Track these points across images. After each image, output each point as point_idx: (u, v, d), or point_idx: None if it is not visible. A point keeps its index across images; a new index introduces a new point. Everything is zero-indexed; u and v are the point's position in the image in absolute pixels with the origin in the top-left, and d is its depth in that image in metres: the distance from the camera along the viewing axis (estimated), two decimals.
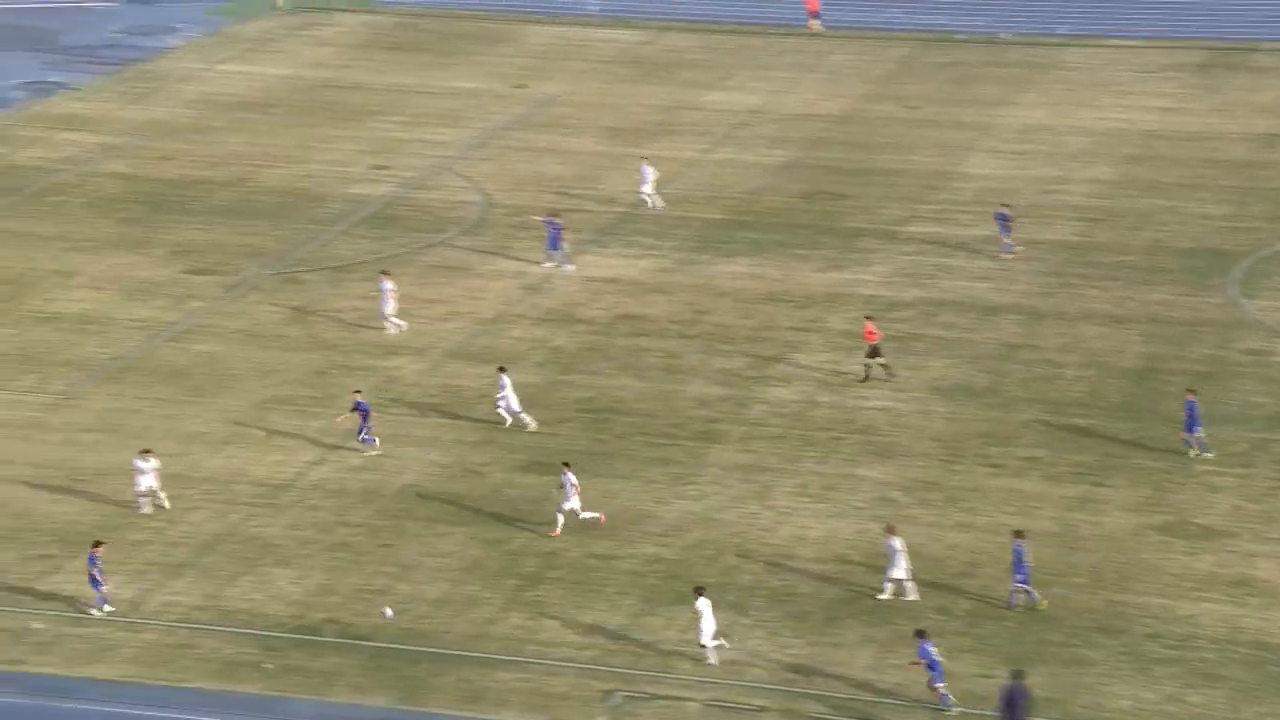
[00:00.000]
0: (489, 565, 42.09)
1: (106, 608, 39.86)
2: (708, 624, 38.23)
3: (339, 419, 46.92)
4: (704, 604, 38.33)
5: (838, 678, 38.26)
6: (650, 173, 63.57)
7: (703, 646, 38.37)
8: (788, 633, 39.68)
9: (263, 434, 47.52)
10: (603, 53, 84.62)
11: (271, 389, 50.22)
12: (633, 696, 37.62)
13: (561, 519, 43.10)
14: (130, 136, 70.91)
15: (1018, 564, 40.11)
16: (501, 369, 48.39)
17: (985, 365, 52.64)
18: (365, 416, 46.28)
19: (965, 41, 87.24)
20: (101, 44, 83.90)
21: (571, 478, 43.10)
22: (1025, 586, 40.24)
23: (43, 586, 40.67)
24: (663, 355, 52.95)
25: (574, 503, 43.10)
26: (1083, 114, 75.43)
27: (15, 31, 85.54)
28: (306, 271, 58.42)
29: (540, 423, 48.65)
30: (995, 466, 46.81)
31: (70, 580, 40.89)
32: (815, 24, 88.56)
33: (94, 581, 39.55)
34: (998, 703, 36.25)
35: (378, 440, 46.55)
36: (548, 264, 58.39)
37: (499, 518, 44.13)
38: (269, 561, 41.98)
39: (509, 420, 47.82)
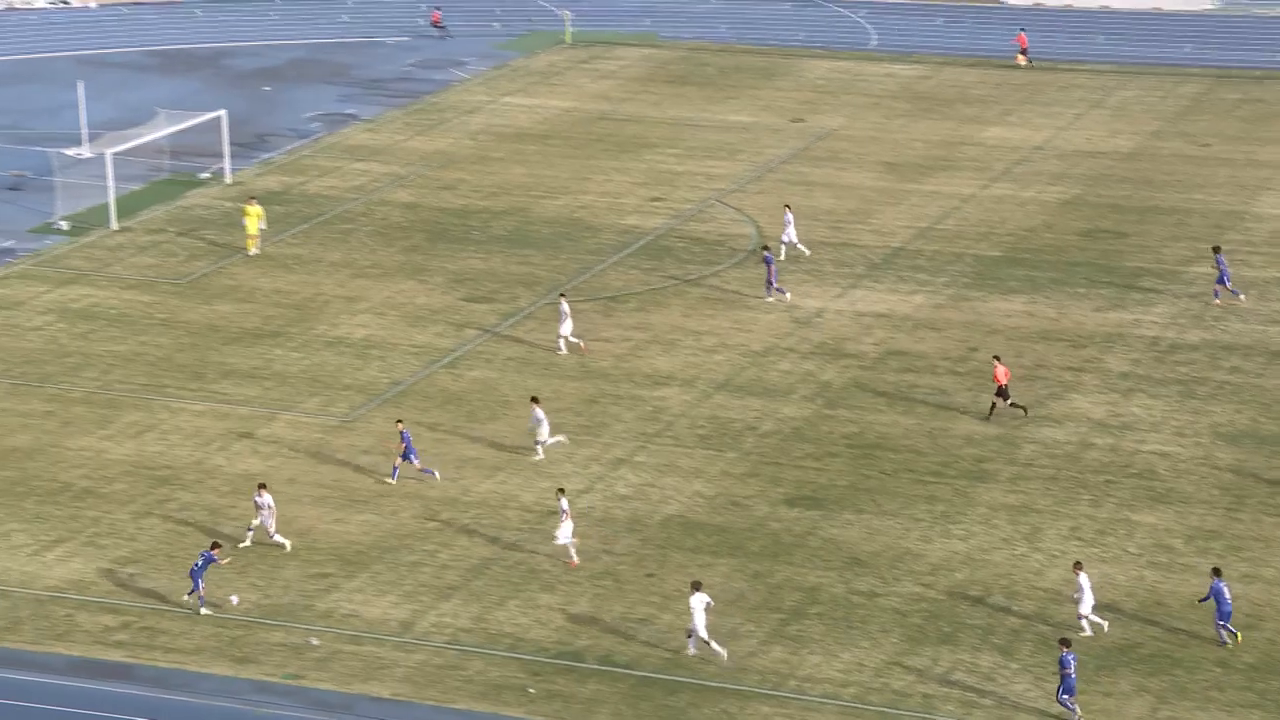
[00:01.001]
0: (751, 598, 42.01)
1: (204, 610, 40.98)
2: (700, 619, 39.02)
3: (391, 446, 47.34)
4: (698, 599, 38.94)
5: None
6: (791, 219, 61.75)
7: (691, 637, 39.22)
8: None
9: (537, 459, 48.28)
10: (882, 87, 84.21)
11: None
12: None
13: (573, 550, 43.01)
14: (416, 166, 72.88)
15: (1219, 600, 39.50)
16: (534, 399, 48.32)
17: (1275, 411, 50.79)
18: (408, 445, 46.41)
19: (1263, 78, 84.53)
20: (393, 77, 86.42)
21: (564, 504, 42.95)
22: (1222, 622, 39.60)
23: (321, 604, 41.88)
24: (932, 392, 52.33)
25: (564, 530, 42.97)
26: None
27: (313, 65, 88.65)
28: (580, 301, 59.21)
29: (807, 457, 48.48)
30: None
31: (347, 599, 42.05)
32: (1022, 59, 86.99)
33: (195, 575, 40.67)
34: None
35: (398, 472, 46.68)
36: (769, 298, 58.07)
37: (762, 551, 44.05)
38: (535, 586, 42.56)
39: (541, 455, 47.76)
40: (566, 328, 54.23)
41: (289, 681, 38.97)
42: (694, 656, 39.43)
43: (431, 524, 45.34)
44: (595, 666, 39.53)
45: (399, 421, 47.89)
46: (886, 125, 78.28)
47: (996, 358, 51.22)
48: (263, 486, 43.96)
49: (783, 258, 61.25)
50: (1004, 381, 50.09)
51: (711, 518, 45.58)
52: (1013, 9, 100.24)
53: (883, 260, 62.74)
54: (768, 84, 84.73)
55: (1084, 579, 40.23)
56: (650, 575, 43.04)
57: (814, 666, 39.48)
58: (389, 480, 46.88)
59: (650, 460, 48.44)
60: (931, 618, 41.23)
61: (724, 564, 43.46)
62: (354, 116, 79.88)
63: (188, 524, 45.18)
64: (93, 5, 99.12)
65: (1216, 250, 59.19)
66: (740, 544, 44.33)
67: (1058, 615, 41.23)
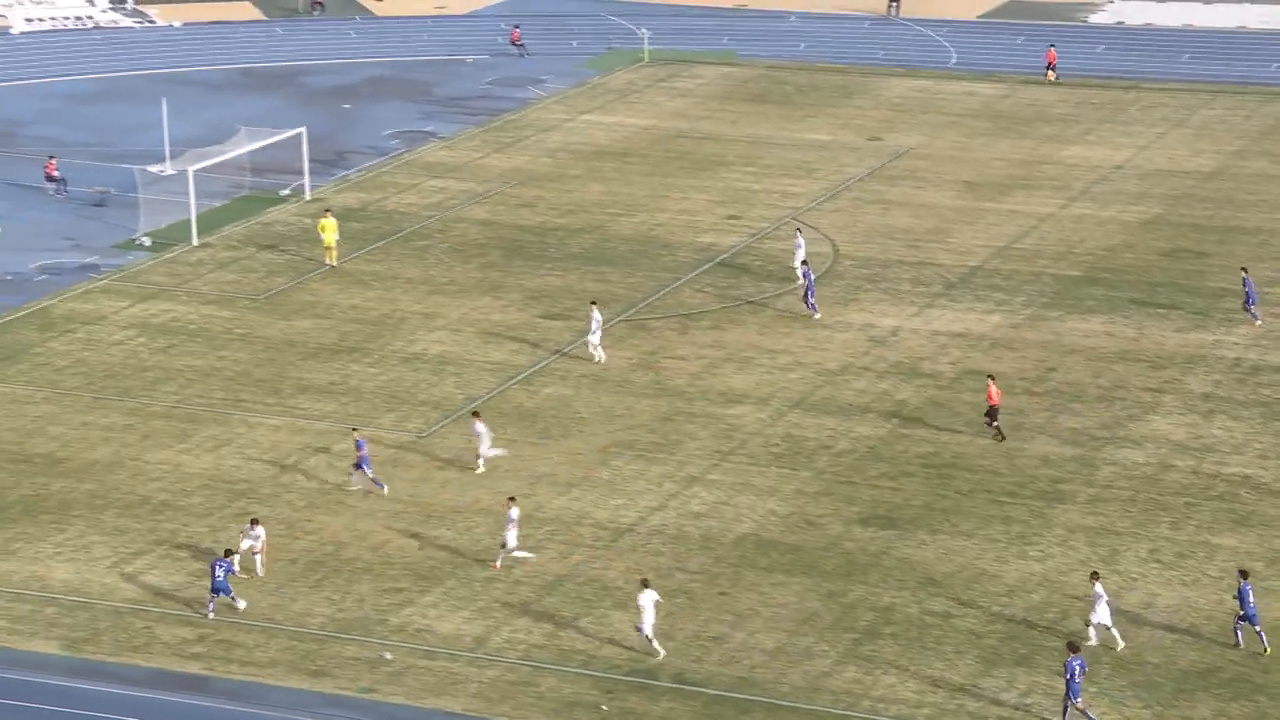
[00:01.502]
0: (825, 617, 41.88)
1: (210, 615, 41.76)
2: (648, 617, 40.08)
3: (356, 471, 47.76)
4: (647, 596, 40.01)
5: None
6: (802, 244, 61.56)
7: (640, 632, 40.19)
8: (1135, 703, 38.42)
9: (606, 478, 48.38)
10: (961, 106, 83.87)
11: (616, 433, 51.08)
12: None
13: (504, 559, 43.39)
14: (493, 184, 73.25)
15: (1244, 603, 39.86)
16: (475, 414, 49.07)
17: None
18: (363, 455, 46.99)
19: None
20: (472, 95, 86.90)
21: (514, 513, 43.23)
22: (1254, 626, 40.01)
23: (395, 619, 42.09)
24: (1009, 412, 51.96)
25: (511, 538, 43.20)
26: None
27: (393, 83, 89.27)
28: (655, 318, 59.31)
29: (881, 476, 48.31)
30: None
31: (421, 614, 42.25)
32: (1051, 75, 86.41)
33: (223, 589, 41.47)
34: None
35: (356, 480, 47.25)
36: (806, 312, 58.71)
37: (836, 570, 43.92)
38: (608, 604, 42.60)
39: (482, 468, 48.50)
40: (595, 337, 54.94)
41: (363, 696, 39.19)
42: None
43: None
44: (668, 684, 39.51)
45: (354, 430, 48.47)
46: (965, 144, 77.96)
47: (991, 377, 50.98)
48: (255, 521, 44.10)
49: (805, 277, 60.91)
50: (995, 402, 49.84)
51: (785, 536, 45.50)
52: (1095, 28, 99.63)
53: (960, 279, 62.46)
54: (846, 102, 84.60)
55: (1099, 588, 40.14)
56: (723, 594, 42.98)
57: (888, 687, 39.28)
58: (353, 487, 47.52)
59: (724, 478, 48.41)
60: (1007, 640, 40.93)
61: (797, 583, 43.34)
62: (432, 134, 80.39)
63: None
64: (177, 24, 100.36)
65: (1244, 270, 58.77)
66: (814, 563, 44.22)
67: (1138, 638, 40.85)
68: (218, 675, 39.88)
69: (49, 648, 40.98)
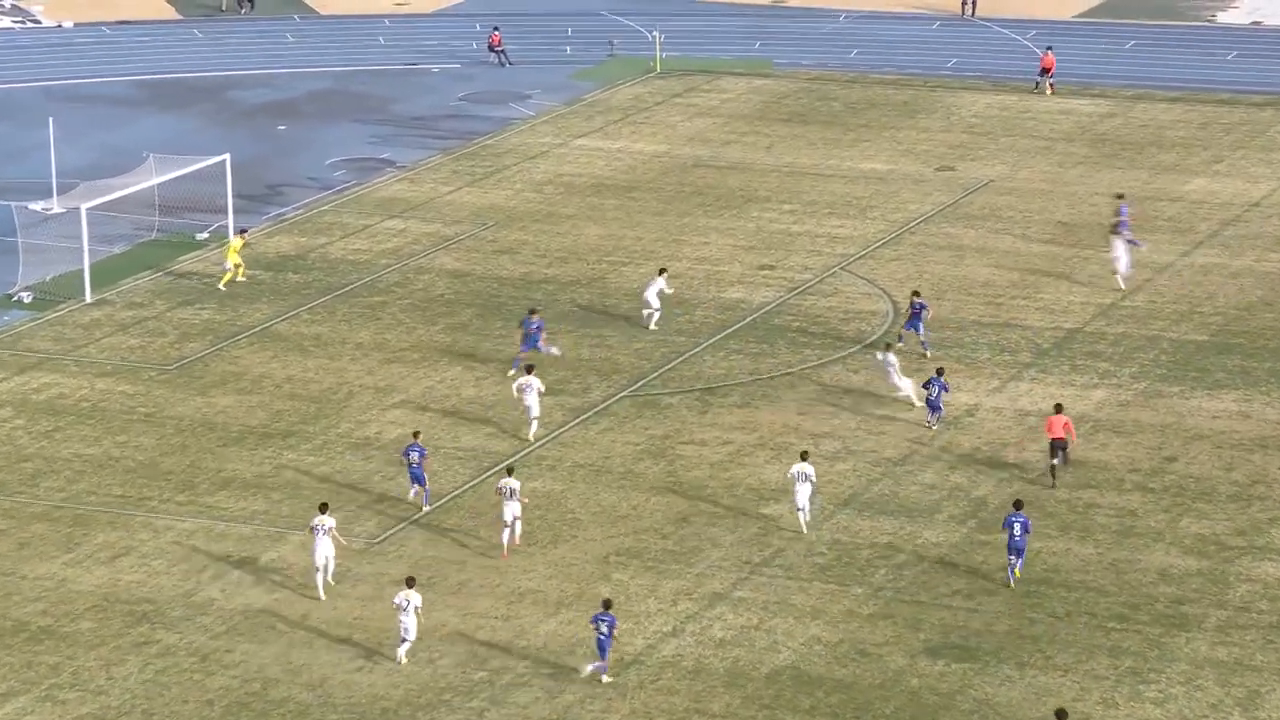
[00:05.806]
0: None
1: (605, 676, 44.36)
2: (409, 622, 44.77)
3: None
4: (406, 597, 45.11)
5: None
6: (659, 283, 63.38)
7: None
8: None
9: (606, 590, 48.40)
10: (1055, 127, 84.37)
11: (620, 539, 51.10)
12: None
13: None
14: (466, 225, 73.60)
15: (1011, 536, 47.60)
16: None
17: None
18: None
19: None
20: (440, 114, 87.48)
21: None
22: (1016, 560, 48.08)
23: None
24: (1117, 514, 52.05)
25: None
26: None
27: (340, 98, 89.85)
28: (668, 394, 59.42)
29: (955, 594, 48.21)
30: None
31: None
32: (1047, 83, 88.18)
33: (605, 647, 44.93)
34: None
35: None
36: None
37: (898, 714, 43.81)
38: None
39: None
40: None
41: None
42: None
43: (479, 674, 45.40)
44: None
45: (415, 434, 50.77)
46: (1060, 175, 78.32)
47: None
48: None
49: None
50: None
51: (833, 670, 45.44)
52: (1224, 29, 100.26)
53: (1054, 345, 62.62)
54: (909, 123, 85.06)
55: (796, 470, 49.51)
56: None
57: None
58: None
59: (756, 596, 48.40)
60: None
61: None
62: (389, 162, 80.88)
63: (171, 672, 45.43)
64: (68, 24, 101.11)
65: (916, 294, 61.72)
66: (869, 704, 44.19)
67: None
68: None
69: None
